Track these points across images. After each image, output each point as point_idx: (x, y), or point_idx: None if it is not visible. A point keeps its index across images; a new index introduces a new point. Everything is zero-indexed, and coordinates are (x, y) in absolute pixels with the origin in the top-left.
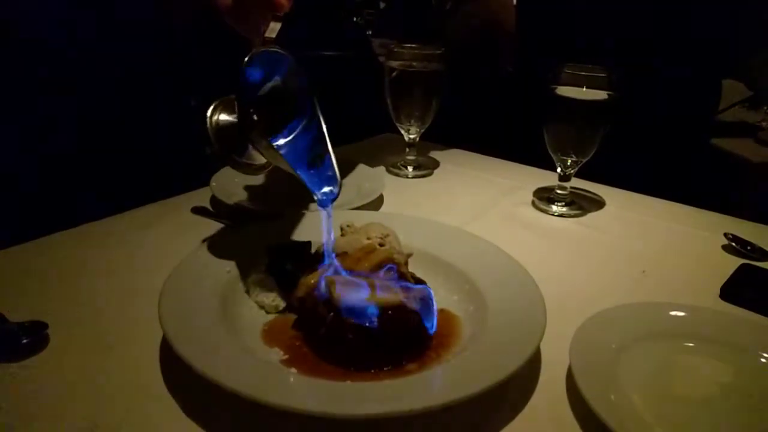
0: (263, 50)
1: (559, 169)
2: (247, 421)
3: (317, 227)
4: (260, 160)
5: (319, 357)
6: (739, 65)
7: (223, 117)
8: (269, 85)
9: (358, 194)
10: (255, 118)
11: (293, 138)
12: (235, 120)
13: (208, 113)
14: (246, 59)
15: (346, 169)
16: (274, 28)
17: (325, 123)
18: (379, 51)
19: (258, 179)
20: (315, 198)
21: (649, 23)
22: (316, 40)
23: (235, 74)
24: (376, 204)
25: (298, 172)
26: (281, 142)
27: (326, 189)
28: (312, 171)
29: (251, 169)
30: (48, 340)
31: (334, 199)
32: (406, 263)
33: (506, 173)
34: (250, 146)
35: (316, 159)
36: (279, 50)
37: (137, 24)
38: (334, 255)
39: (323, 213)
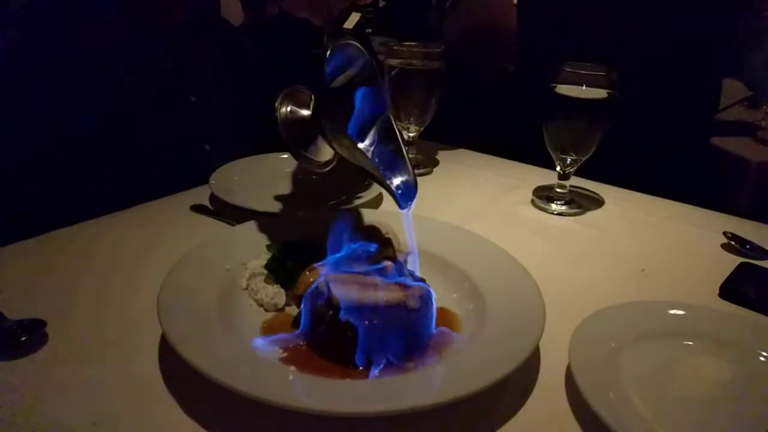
0: (345, 42)
1: (558, 168)
2: (245, 419)
3: (317, 225)
4: (325, 156)
5: (319, 355)
6: (739, 65)
7: (292, 108)
8: (342, 78)
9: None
10: (336, 117)
11: (366, 136)
12: (305, 113)
13: (276, 104)
14: (328, 51)
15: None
16: (353, 19)
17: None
18: (379, 49)
19: (258, 178)
20: (393, 198)
21: (649, 22)
22: (316, 38)
23: (314, 65)
24: (376, 202)
25: (379, 170)
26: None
27: (403, 188)
28: (387, 170)
29: (316, 164)
30: (46, 337)
31: (412, 199)
32: (405, 261)
33: (505, 172)
34: (317, 141)
35: (390, 157)
36: (358, 45)
37: (137, 22)
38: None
39: (404, 213)
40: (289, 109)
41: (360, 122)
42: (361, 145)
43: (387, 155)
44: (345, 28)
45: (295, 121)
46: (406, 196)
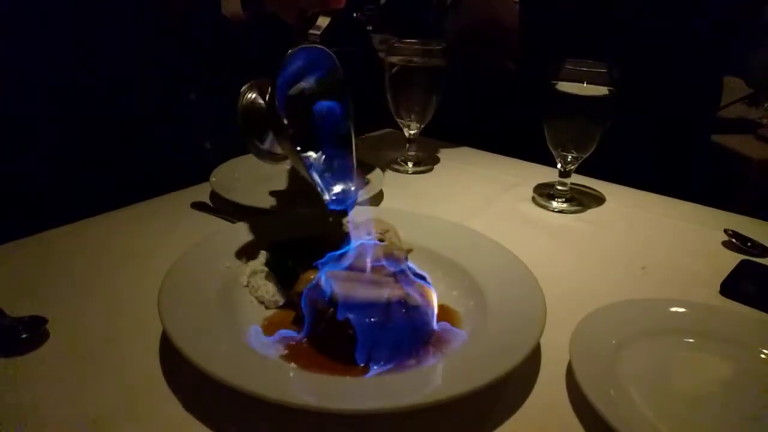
0: (307, 46)
1: (559, 165)
2: (246, 416)
3: (318, 223)
4: (280, 150)
5: (319, 352)
6: (740, 63)
7: (255, 98)
8: (304, 83)
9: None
10: (285, 119)
11: (319, 141)
12: (264, 105)
13: (242, 89)
14: (288, 52)
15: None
16: (321, 25)
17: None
18: (380, 47)
19: (259, 175)
20: (326, 204)
21: (651, 19)
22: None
23: (274, 66)
24: (377, 199)
25: (314, 176)
26: (305, 148)
27: (339, 196)
28: (330, 178)
29: (272, 158)
30: (47, 335)
31: (345, 208)
32: (406, 259)
33: (506, 169)
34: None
35: (336, 166)
36: (323, 48)
37: (137, 19)
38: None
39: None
40: (252, 97)
41: (317, 128)
42: (308, 153)
43: (337, 164)
44: (312, 33)
45: (255, 111)
46: (339, 203)
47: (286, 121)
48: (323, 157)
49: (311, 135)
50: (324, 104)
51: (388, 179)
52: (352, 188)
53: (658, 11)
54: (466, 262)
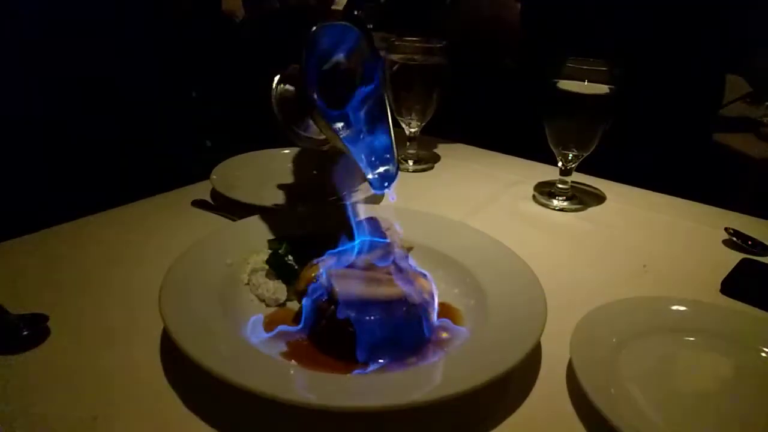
0: (329, 24)
1: (560, 164)
2: (246, 413)
3: (318, 221)
4: (320, 134)
5: (320, 350)
6: (742, 62)
7: (287, 88)
8: (333, 60)
9: (359, 188)
10: (315, 96)
11: (355, 116)
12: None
13: (273, 83)
14: (312, 31)
15: (348, 162)
16: (341, 2)
17: None
18: (380, 44)
19: (259, 173)
20: (368, 181)
21: (651, 17)
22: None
23: (299, 48)
24: (377, 197)
25: (354, 153)
26: (340, 123)
27: (381, 170)
28: (369, 154)
29: (312, 143)
30: (48, 332)
31: (389, 183)
32: (407, 256)
33: (507, 167)
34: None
35: (375, 141)
36: (347, 24)
37: (139, 17)
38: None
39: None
40: (284, 87)
41: (353, 103)
42: (342, 127)
43: (376, 141)
44: (334, 9)
45: (288, 99)
46: (380, 181)
47: (316, 97)
48: (362, 134)
49: (347, 113)
50: (358, 79)
51: None
52: (392, 167)
53: (658, 8)
54: (467, 260)
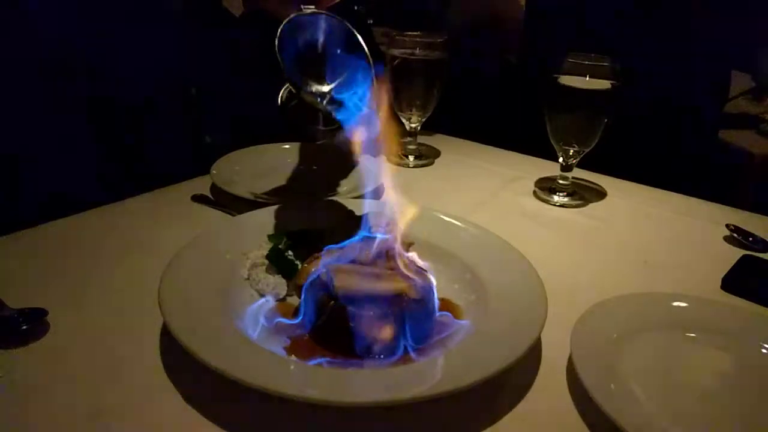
0: (294, 16)
1: (561, 159)
2: (247, 408)
3: (318, 215)
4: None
5: (320, 345)
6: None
7: (290, 92)
8: (310, 47)
9: (359, 183)
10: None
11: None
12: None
13: (280, 94)
14: (280, 28)
15: (347, 157)
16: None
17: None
18: (381, 39)
19: (259, 168)
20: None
21: (653, 12)
22: None
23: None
24: (377, 193)
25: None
26: (325, 88)
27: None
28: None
29: (331, 135)
30: (48, 326)
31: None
32: (408, 252)
33: (508, 163)
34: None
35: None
36: (309, 13)
37: (138, 14)
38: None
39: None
40: (287, 92)
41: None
42: (330, 98)
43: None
44: (303, 7)
45: (293, 101)
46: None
47: (299, 83)
48: (348, 95)
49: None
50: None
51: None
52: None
53: (660, 4)
54: (467, 256)
